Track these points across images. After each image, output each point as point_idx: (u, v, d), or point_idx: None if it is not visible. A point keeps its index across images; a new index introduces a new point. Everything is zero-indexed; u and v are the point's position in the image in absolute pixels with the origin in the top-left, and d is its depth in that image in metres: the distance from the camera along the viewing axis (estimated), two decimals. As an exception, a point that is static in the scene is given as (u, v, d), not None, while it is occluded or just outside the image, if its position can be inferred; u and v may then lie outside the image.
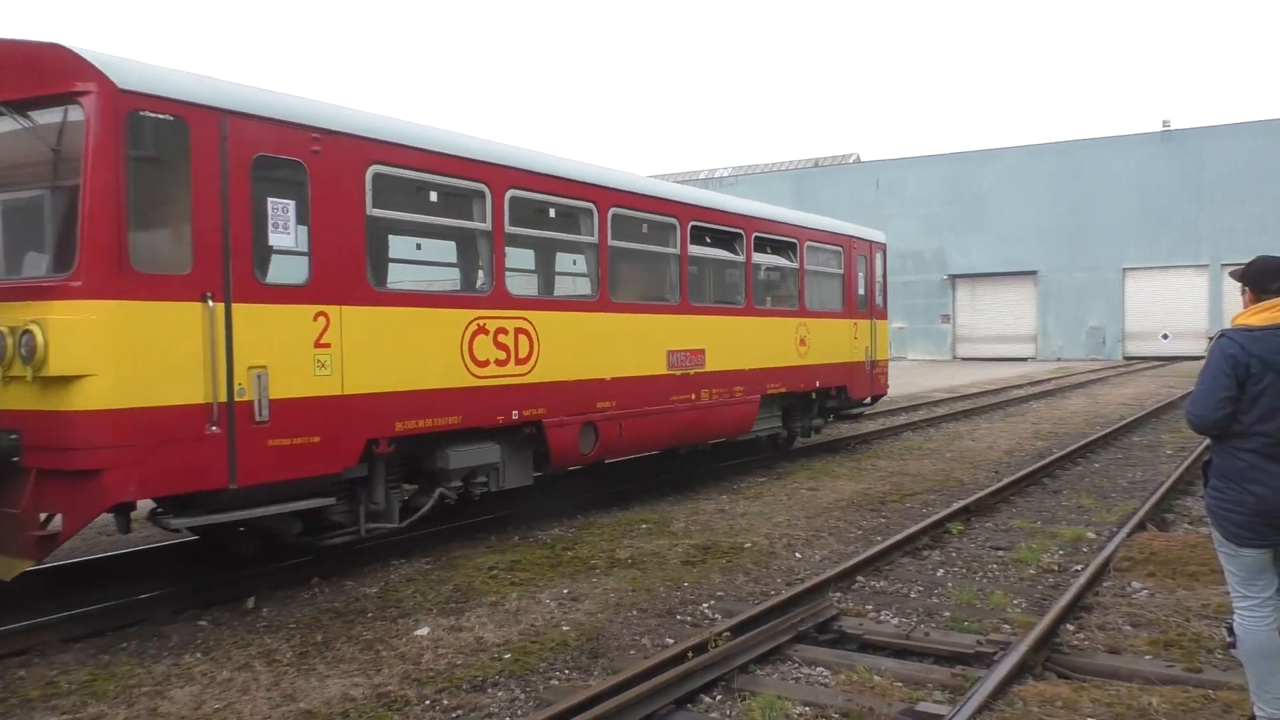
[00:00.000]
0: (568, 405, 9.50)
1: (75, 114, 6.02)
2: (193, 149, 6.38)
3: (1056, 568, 7.89)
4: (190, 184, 6.39)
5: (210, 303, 6.41)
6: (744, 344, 12.46)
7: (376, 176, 7.58)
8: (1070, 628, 6.27)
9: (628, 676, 5.14)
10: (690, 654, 5.60)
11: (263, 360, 6.71)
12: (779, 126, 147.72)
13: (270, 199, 6.83)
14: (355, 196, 7.41)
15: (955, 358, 53.77)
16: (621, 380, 10.25)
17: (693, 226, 11.44)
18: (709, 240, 12.02)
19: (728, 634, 5.95)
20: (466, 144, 8.57)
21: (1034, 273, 53.45)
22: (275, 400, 6.76)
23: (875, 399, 16.75)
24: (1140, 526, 8.94)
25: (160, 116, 6.25)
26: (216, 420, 6.41)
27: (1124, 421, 18.33)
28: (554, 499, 10.73)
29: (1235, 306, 4.38)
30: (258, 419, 6.65)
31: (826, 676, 5.58)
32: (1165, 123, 51.73)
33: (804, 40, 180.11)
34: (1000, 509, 10.46)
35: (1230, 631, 4.54)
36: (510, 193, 8.84)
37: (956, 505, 10.10)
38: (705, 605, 6.98)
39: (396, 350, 7.75)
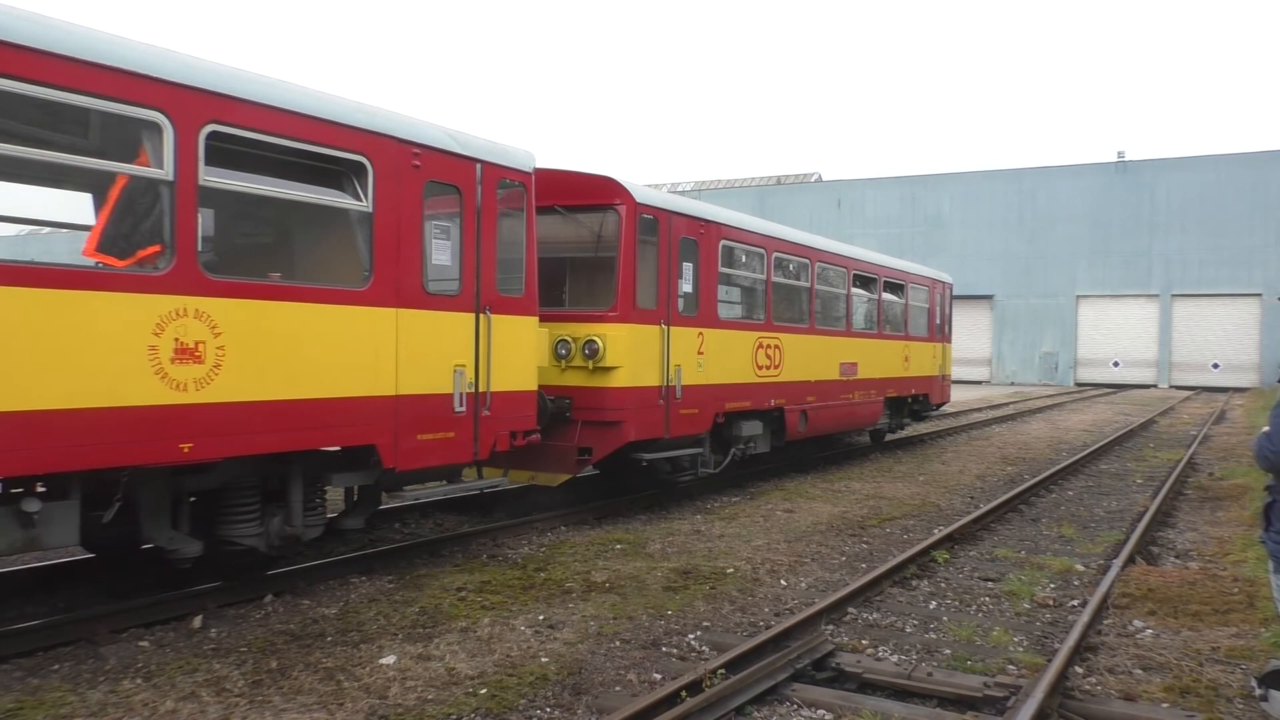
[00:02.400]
0: (795, 398, 13.67)
1: (613, 216, 10.31)
2: (660, 235, 10.74)
3: (1052, 602, 7.59)
4: (657, 257, 10.71)
5: (663, 326, 10.70)
6: (877, 359, 16.81)
7: (724, 248, 12.05)
8: (1079, 670, 5.95)
9: (621, 720, 4.70)
10: (684, 693, 5.17)
11: (677, 361, 10.98)
12: (741, 143, 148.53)
13: (684, 263, 11.19)
14: (714, 260, 11.84)
15: (911, 378, 54.04)
16: (819, 383, 14.54)
17: (854, 275, 16.08)
18: (858, 283, 16.35)
19: (722, 671, 5.53)
20: (761, 227, 13.25)
21: (990, 297, 54.03)
22: (684, 385, 11.05)
23: (941, 405, 21.42)
24: (1130, 560, 8.69)
25: (650, 217, 10.59)
26: (664, 396, 10.72)
27: (1088, 449, 18.29)
28: (527, 511, 10.25)
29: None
30: (677, 397, 10.92)
31: (830, 720, 5.18)
32: (1120, 154, 52.79)
33: (766, 58, 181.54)
34: (983, 537, 10.19)
35: (1260, 684, 4.23)
36: (776, 255, 13.44)
37: (939, 533, 9.80)
38: (691, 636, 6.55)
39: (728, 357, 11.99)
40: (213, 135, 6.19)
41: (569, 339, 10.14)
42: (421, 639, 6.32)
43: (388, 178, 7.38)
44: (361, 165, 7.21)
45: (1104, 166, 52.80)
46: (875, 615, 7.19)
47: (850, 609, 7.24)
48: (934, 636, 6.70)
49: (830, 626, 6.74)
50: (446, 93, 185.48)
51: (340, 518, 8.01)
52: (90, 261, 6.27)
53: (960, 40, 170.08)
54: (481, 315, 8.28)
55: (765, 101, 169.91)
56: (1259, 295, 48.47)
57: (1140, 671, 5.96)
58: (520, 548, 9.16)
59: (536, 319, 9.00)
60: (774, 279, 13.23)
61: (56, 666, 5.71)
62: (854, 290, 16.03)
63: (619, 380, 10.08)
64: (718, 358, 11.69)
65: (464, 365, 8.11)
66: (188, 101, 6.03)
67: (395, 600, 7.21)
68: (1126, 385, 50.14)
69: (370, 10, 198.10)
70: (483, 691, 5.42)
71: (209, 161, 6.17)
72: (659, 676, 5.74)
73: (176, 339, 6.00)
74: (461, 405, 8.06)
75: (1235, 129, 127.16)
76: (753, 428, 12.64)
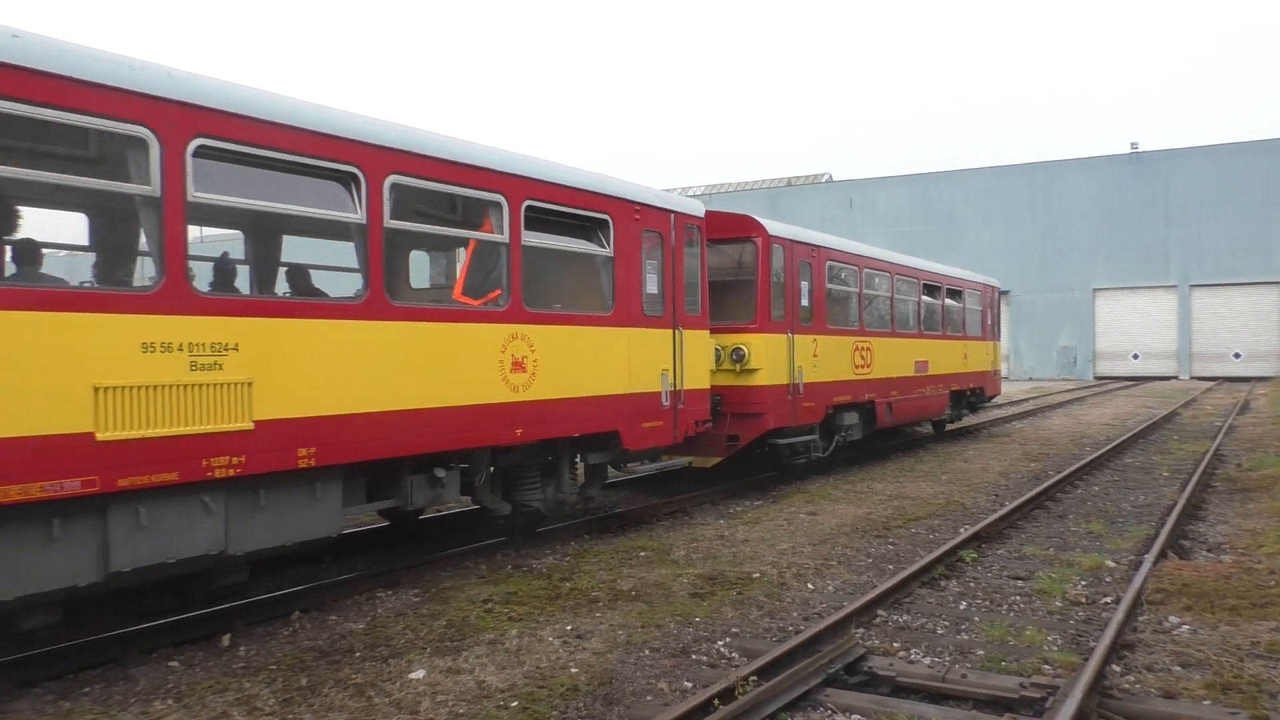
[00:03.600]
0: (882, 392, 15.97)
1: (751, 246, 12.68)
2: (786, 261, 13.13)
3: (1084, 600, 7.49)
4: (785, 279, 13.10)
5: (789, 335, 13.03)
6: (943, 357, 19.17)
7: (829, 268, 14.48)
8: (1116, 669, 5.86)
9: (655, 730, 4.65)
10: (717, 701, 5.12)
11: (800, 363, 13.28)
12: (752, 144, 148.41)
13: (802, 281, 13.51)
14: (822, 278, 14.15)
15: (928, 376, 53.78)
16: (899, 379, 16.82)
17: (923, 284, 18.44)
18: (925, 291, 18.66)
19: (754, 678, 5.48)
20: (853, 248, 15.71)
21: (1006, 292, 53.71)
22: (804, 383, 13.38)
23: (993, 397, 23.69)
24: (1162, 555, 8.58)
25: (778, 246, 12.93)
26: (791, 393, 13.00)
27: (1111, 443, 18.12)
28: (546, 523, 10.23)
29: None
30: (800, 393, 13.18)
31: (866, 726, 5.11)
32: (1133, 145, 52.36)
33: (776, 59, 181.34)
34: (1010, 535, 10.09)
35: None
36: (866, 271, 15.97)
37: (965, 532, 9.71)
38: (721, 643, 6.50)
39: (834, 359, 14.40)
40: (528, 208, 8.63)
41: (718, 347, 12.39)
42: (450, 652, 6.30)
43: (621, 229, 9.85)
44: (606, 221, 9.68)
45: (1117, 158, 52.45)
46: (905, 617, 7.11)
47: (880, 611, 7.17)
48: (966, 637, 6.62)
49: (860, 630, 6.67)
50: (462, 93, 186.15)
51: (584, 488, 10.34)
52: (459, 303, 8.60)
53: (968, 34, 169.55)
54: (676, 331, 10.76)
55: (776, 103, 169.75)
56: (1279, 283, 48.02)
57: (1179, 669, 5.87)
58: (544, 557, 9.13)
59: (709, 332, 11.57)
60: (864, 291, 15.80)
61: (87, 689, 5.71)
62: (923, 298, 18.46)
63: (760, 380, 12.49)
64: (827, 360, 14.20)
65: (667, 370, 10.60)
66: (517, 187, 8.51)
67: (422, 614, 7.19)
68: (1147, 377, 49.71)
69: (411, 20, 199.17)
70: (514, 704, 5.38)
71: (527, 227, 8.58)
72: (690, 685, 5.69)
73: (513, 355, 8.46)
74: (666, 401, 10.58)
75: (1249, 117, 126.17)
76: (851, 418, 15.10)
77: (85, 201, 7.06)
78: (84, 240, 7.35)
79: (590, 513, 10.98)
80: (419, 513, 8.41)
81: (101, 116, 5.62)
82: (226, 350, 6.23)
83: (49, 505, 5.40)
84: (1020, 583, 8.09)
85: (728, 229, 12.70)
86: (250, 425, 6.34)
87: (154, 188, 5.85)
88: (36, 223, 6.83)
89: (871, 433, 15.88)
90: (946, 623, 6.95)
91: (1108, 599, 7.48)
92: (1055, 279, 52.74)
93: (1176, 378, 49.40)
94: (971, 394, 21.43)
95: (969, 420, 23.10)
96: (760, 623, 7.00)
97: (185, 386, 5.98)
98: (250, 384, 6.35)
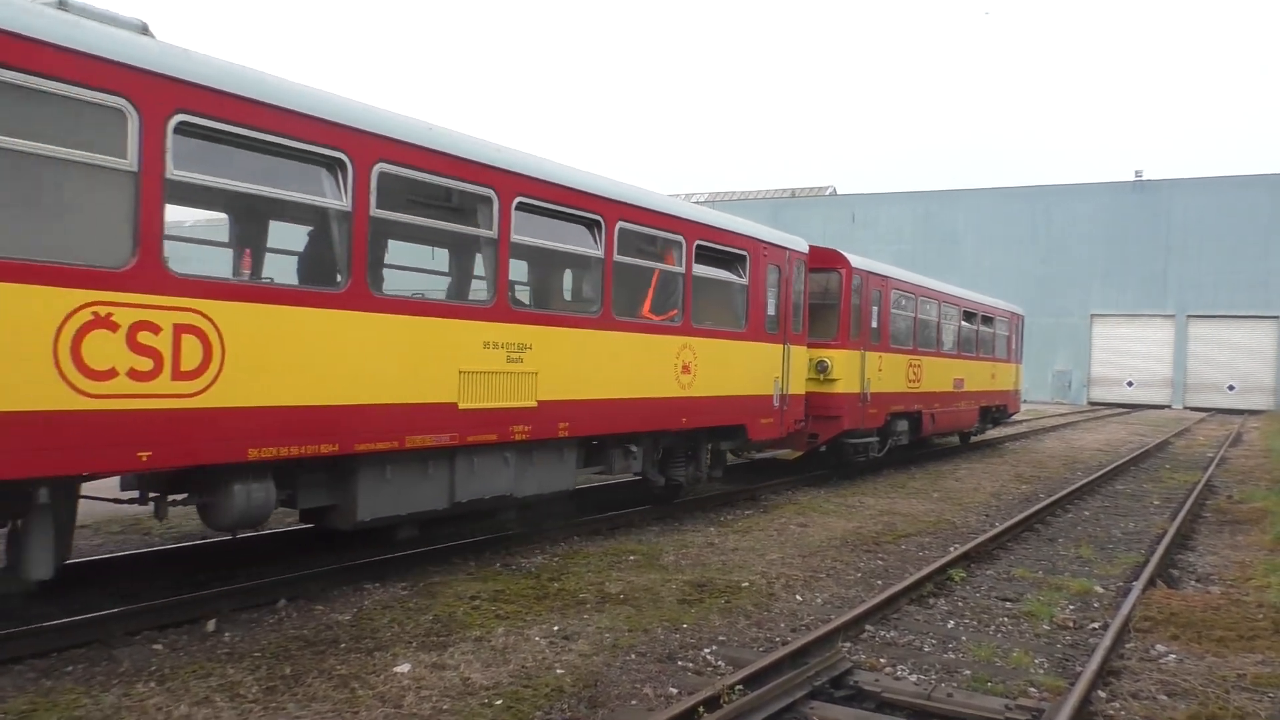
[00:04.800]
0: (927, 404, 18.30)
1: (836, 275, 14.83)
2: (862, 289, 15.26)
3: (1072, 624, 7.49)
4: (861, 304, 15.23)
5: (862, 351, 15.21)
6: (975, 376, 21.52)
7: (893, 295, 16.61)
8: (1102, 694, 5.86)
9: (639, 735, 4.63)
10: (702, 709, 5.11)
11: (868, 375, 15.40)
12: (756, 154, 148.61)
13: (872, 306, 15.63)
14: (887, 304, 16.35)
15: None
16: (941, 393, 19.14)
17: (962, 310, 20.83)
18: (964, 316, 21.04)
19: (740, 687, 5.47)
20: (911, 278, 18.01)
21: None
22: (871, 393, 15.49)
23: (1014, 414, 26.18)
24: (1151, 583, 8.58)
25: (857, 277, 15.08)
26: (861, 400, 15.10)
27: (1104, 469, 18.15)
28: (538, 521, 10.21)
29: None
30: (867, 400, 15.33)
31: (850, 741, 5.10)
32: (1137, 173, 52.50)
33: (783, 71, 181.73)
34: (999, 556, 10.09)
35: None
36: (919, 299, 18.27)
37: (955, 551, 9.71)
38: (707, 651, 6.48)
39: (893, 373, 16.55)
40: (698, 247, 10.99)
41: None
42: (436, 647, 6.27)
43: (755, 263, 12.19)
44: (745, 257, 12.02)
45: (1121, 185, 52.59)
46: (893, 633, 7.10)
47: (867, 626, 7.16)
48: (953, 656, 6.61)
49: (847, 644, 6.66)
50: (462, 92, 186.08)
51: (710, 469, 12.17)
52: (648, 319, 10.52)
53: (976, 56, 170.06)
54: (785, 346, 13.05)
55: (781, 114, 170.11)
56: (1276, 318, 48.15)
57: (1165, 697, 5.86)
58: (533, 557, 9.11)
59: (806, 348, 13.90)
60: (918, 316, 18.01)
61: (70, 668, 5.68)
62: (961, 323, 20.72)
63: (839, 388, 14.67)
64: (888, 374, 16.34)
65: (778, 377, 12.85)
66: (693, 230, 10.87)
67: (409, 608, 7.16)
68: (1140, 405, 49.83)
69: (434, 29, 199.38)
70: (498, 703, 5.36)
71: (696, 260, 10.96)
72: (675, 691, 5.67)
73: (683, 360, 10.76)
74: (777, 402, 12.78)
75: (1255, 150, 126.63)
76: (903, 425, 17.40)
77: (454, 243, 9.60)
78: (445, 269, 10.06)
79: (713, 488, 13.49)
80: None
81: (465, 182, 7.93)
82: (524, 349, 8.51)
83: (425, 452, 7.72)
84: (1008, 604, 8.09)
85: (820, 260, 14.78)
86: (535, 404, 8.64)
87: (494, 231, 8.18)
88: (419, 258, 9.92)
89: (916, 439, 18.18)
90: (934, 641, 6.94)
91: (1095, 624, 7.48)
92: (1053, 303, 52.81)
93: (1170, 407, 49.50)
94: (996, 410, 23.67)
95: (982, 435, 24.54)
96: (747, 632, 6.99)
97: (503, 374, 8.30)
98: (536, 374, 8.65)
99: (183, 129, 5.93)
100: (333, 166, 6.85)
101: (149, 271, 5.75)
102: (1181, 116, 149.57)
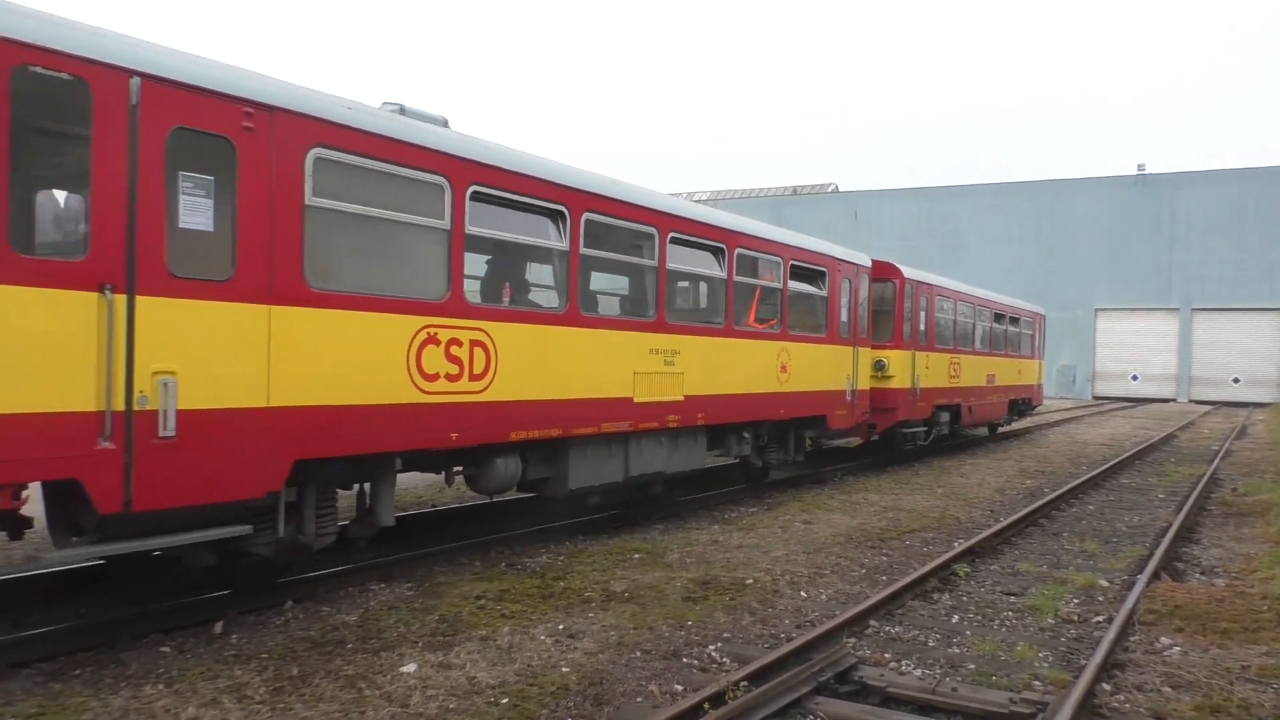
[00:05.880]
0: (965, 398, 20.28)
1: (891, 285, 16.88)
2: (913, 296, 17.29)
3: (1076, 618, 7.50)
4: (911, 310, 17.29)
5: (913, 351, 17.22)
6: (1005, 372, 23.63)
7: (938, 301, 18.87)
8: (1106, 687, 5.87)
9: (645, 732, 4.65)
10: (707, 705, 5.13)
11: (917, 372, 17.42)
12: (758, 152, 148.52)
13: (921, 312, 17.72)
14: (934, 309, 18.46)
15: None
16: (976, 388, 21.23)
17: (993, 312, 22.77)
18: (995, 318, 23.00)
19: (744, 684, 5.49)
20: (953, 285, 20.20)
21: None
22: (920, 388, 17.63)
23: (1037, 407, 28.27)
24: (1155, 576, 8.59)
25: (909, 286, 17.13)
26: (912, 395, 17.11)
27: (1108, 463, 18.14)
28: (543, 521, 10.24)
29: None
30: (916, 395, 17.43)
31: (855, 735, 5.12)
32: (1140, 166, 52.43)
33: (785, 68, 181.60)
34: (1004, 550, 10.10)
35: None
36: (958, 303, 20.42)
37: (960, 546, 9.72)
38: (712, 648, 6.50)
39: (937, 370, 18.49)
40: (792, 266, 13.14)
41: None
42: (442, 647, 6.30)
43: (832, 277, 14.31)
44: (825, 273, 14.11)
45: (1124, 179, 52.53)
46: (897, 629, 7.12)
47: (872, 622, 7.18)
48: (957, 651, 6.63)
49: (852, 639, 6.68)
50: (461, 91, 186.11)
51: (794, 453, 14.04)
52: (754, 328, 12.38)
53: (978, 51, 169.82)
54: (855, 348, 15.05)
55: (783, 112, 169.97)
56: (1280, 310, 48.10)
57: (1169, 690, 5.87)
58: (538, 556, 9.13)
59: (870, 349, 15.87)
60: (956, 318, 19.89)
61: (78, 671, 5.71)
62: (992, 324, 22.71)
63: (895, 384, 16.66)
64: (934, 371, 18.30)
65: (849, 375, 14.85)
66: (788, 253, 13.13)
67: (415, 608, 7.19)
68: (1145, 399, 49.77)
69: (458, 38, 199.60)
70: (504, 701, 5.39)
71: (790, 277, 13.13)
72: (680, 688, 5.69)
73: (781, 361, 12.71)
74: (848, 397, 14.79)
75: (1258, 142, 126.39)
76: (945, 416, 19.33)
77: (630, 271, 11.06)
78: (624, 291, 11.59)
79: (798, 468, 15.88)
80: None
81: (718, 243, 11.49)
82: (675, 354, 10.58)
83: (610, 437, 9.77)
84: (1013, 598, 8.10)
85: (878, 272, 16.78)
86: (682, 398, 10.68)
87: (655, 260, 10.32)
88: (607, 283, 11.68)
89: (957, 429, 20.52)
90: (938, 635, 6.96)
91: (1100, 618, 7.49)
92: (1057, 297, 52.71)
93: (1175, 400, 49.43)
94: (1021, 403, 25.86)
95: (1009, 426, 26.92)
96: (752, 629, 7.01)
97: (661, 374, 10.32)
98: (683, 374, 10.70)
99: (474, 196, 8.00)
100: (555, 217, 8.98)
101: (457, 301, 7.79)
102: (1184, 110, 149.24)
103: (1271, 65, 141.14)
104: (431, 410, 7.56)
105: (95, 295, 5.47)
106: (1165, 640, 6.83)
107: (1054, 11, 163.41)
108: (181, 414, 5.85)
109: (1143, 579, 8.29)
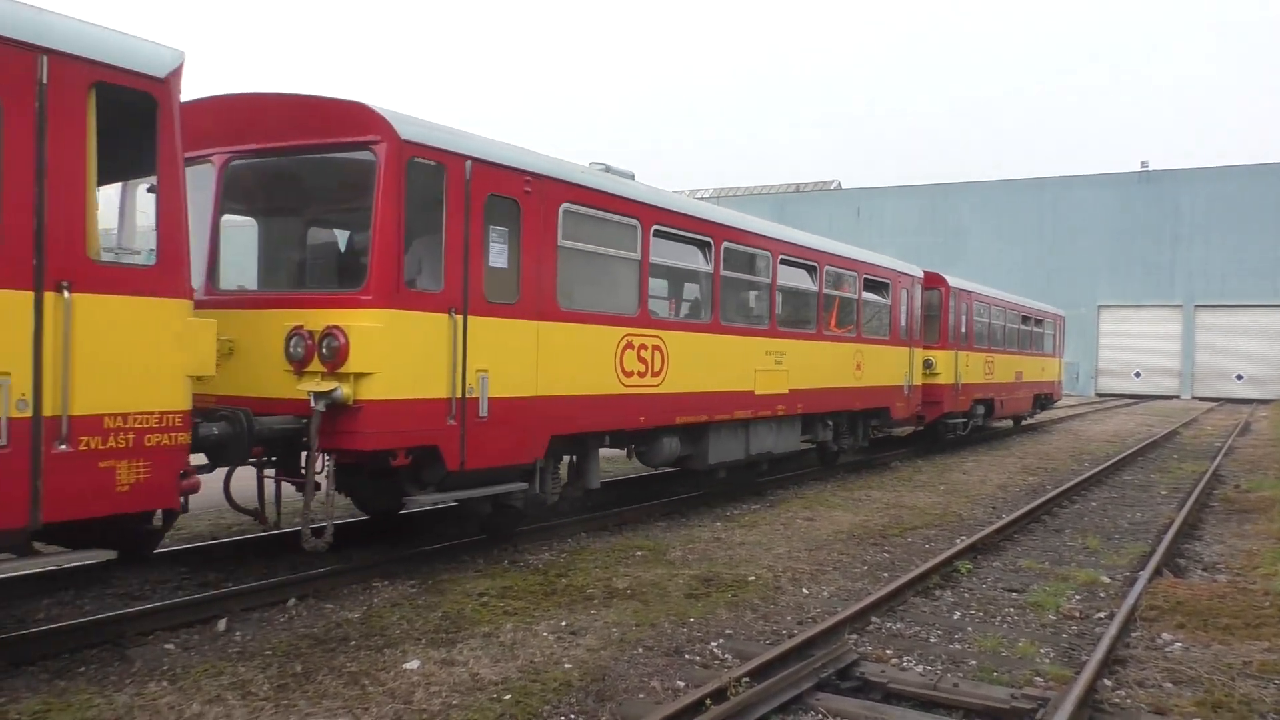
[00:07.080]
0: (998, 393, 22.29)
1: (938, 293, 19.45)
2: (956, 302, 19.98)
3: (1078, 614, 7.51)
4: (955, 314, 19.87)
5: (956, 351, 19.74)
6: (1031, 369, 25.71)
7: (976, 305, 20.84)
8: (1108, 683, 5.88)
9: (647, 728, 4.67)
10: (709, 701, 5.14)
11: (960, 370, 19.67)
12: (761, 149, 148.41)
13: (962, 316, 20.16)
14: (971, 312, 20.65)
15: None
16: (1006, 383, 23.20)
17: (1020, 315, 24.97)
18: (1022, 319, 25.14)
19: (746, 679, 5.50)
20: (986, 290, 22.66)
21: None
22: (961, 384, 19.94)
23: (1056, 401, 30.75)
24: (1157, 573, 8.60)
25: (953, 292, 19.77)
26: (955, 389, 19.53)
27: (1111, 460, 18.15)
28: (544, 519, 10.26)
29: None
30: (959, 390, 19.73)
31: (857, 731, 5.13)
32: (1144, 163, 52.35)
33: (786, 65, 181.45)
34: (1006, 547, 10.11)
35: None
36: (993, 306, 22.80)
37: (962, 543, 9.73)
38: (714, 644, 6.52)
39: (975, 367, 20.56)
40: (865, 280, 15.37)
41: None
42: (445, 644, 6.32)
43: (895, 288, 16.43)
44: (889, 285, 16.28)
45: (1127, 176, 52.46)
46: (899, 625, 7.14)
47: (873, 618, 7.19)
48: (959, 647, 6.64)
49: (854, 636, 6.70)
50: (461, 90, 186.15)
51: (856, 440, 16.05)
52: (835, 331, 14.56)
53: (980, 48, 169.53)
54: (911, 349, 17.18)
55: (786, 108, 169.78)
56: (1284, 306, 48.01)
57: (1170, 685, 5.89)
58: (541, 554, 9.16)
59: (922, 349, 17.88)
60: (991, 321, 21.86)
61: (83, 669, 5.74)
62: (1020, 325, 24.74)
63: (941, 380, 18.75)
64: (972, 368, 20.40)
65: (907, 372, 16.96)
66: (861, 268, 15.31)
67: (418, 605, 7.21)
68: (1148, 396, 49.72)
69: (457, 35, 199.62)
70: (507, 697, 5.41)
71: (864, 289, 15.48)
72: (682, 684, 5.71)
73: (856, 360, 14.87)
74: (906, 391, 16.87)
75: (1261, 140, 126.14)
76: (980, 409, 21.39)
77: (753, 288, 12.97)
78: (749, 303, 13.19)
79: (863, 453, 17.58)
80: (401, 506, 8.88)
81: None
82: (782, 355, 12.63)
83: (736, 422, 11.75)
84: (1015, 595, 8.11)
85: (927, 281, 18.70)
86: (787, 391, 12.73)
87: (769, 278, 12.61)
88: (734, 296, 12.76)
89: (991, 421, 22.69)
90: (940, 632, 6.97)
91: (1101, 614, 7.50)
92: (1060, 294, 52.53)
93: (1178, 397, 49.38)
94: (1044, 397, 28.06)
95: (1033, 419, 28.69)
96: (754, 625, 7.02)
97: (773, 371, 12.37)
98: (788, 371, 12.74)
99: (655, 233, 10.21)
100: (703, 246, 11.20)
101: (645, 316, 10.04)
102: (1186, 107, 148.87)
103: (1276, 62, 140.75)
104: (629, 399, 9.73)
105: (446, 316, 7.59)
106: (1167, 636, 6.84)
107: (1058, 10, 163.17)
108: (492, 400, 7.99)
109: (1145, 575, 8.30)
